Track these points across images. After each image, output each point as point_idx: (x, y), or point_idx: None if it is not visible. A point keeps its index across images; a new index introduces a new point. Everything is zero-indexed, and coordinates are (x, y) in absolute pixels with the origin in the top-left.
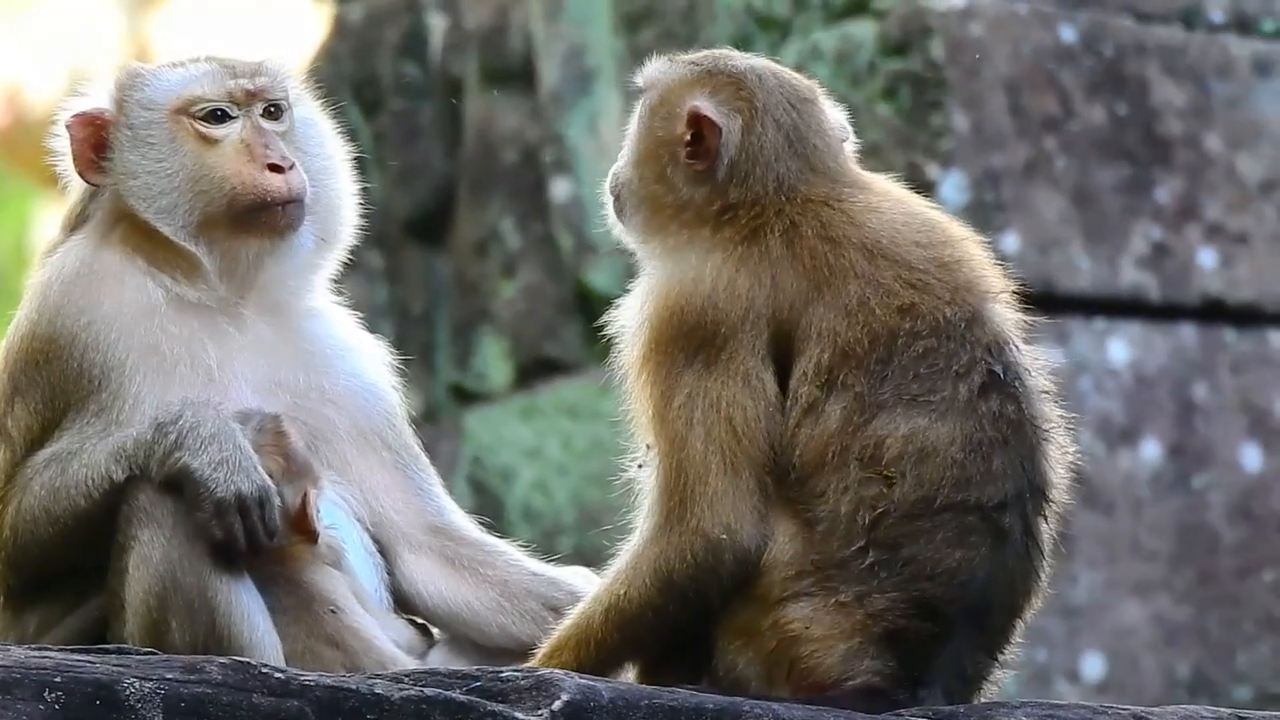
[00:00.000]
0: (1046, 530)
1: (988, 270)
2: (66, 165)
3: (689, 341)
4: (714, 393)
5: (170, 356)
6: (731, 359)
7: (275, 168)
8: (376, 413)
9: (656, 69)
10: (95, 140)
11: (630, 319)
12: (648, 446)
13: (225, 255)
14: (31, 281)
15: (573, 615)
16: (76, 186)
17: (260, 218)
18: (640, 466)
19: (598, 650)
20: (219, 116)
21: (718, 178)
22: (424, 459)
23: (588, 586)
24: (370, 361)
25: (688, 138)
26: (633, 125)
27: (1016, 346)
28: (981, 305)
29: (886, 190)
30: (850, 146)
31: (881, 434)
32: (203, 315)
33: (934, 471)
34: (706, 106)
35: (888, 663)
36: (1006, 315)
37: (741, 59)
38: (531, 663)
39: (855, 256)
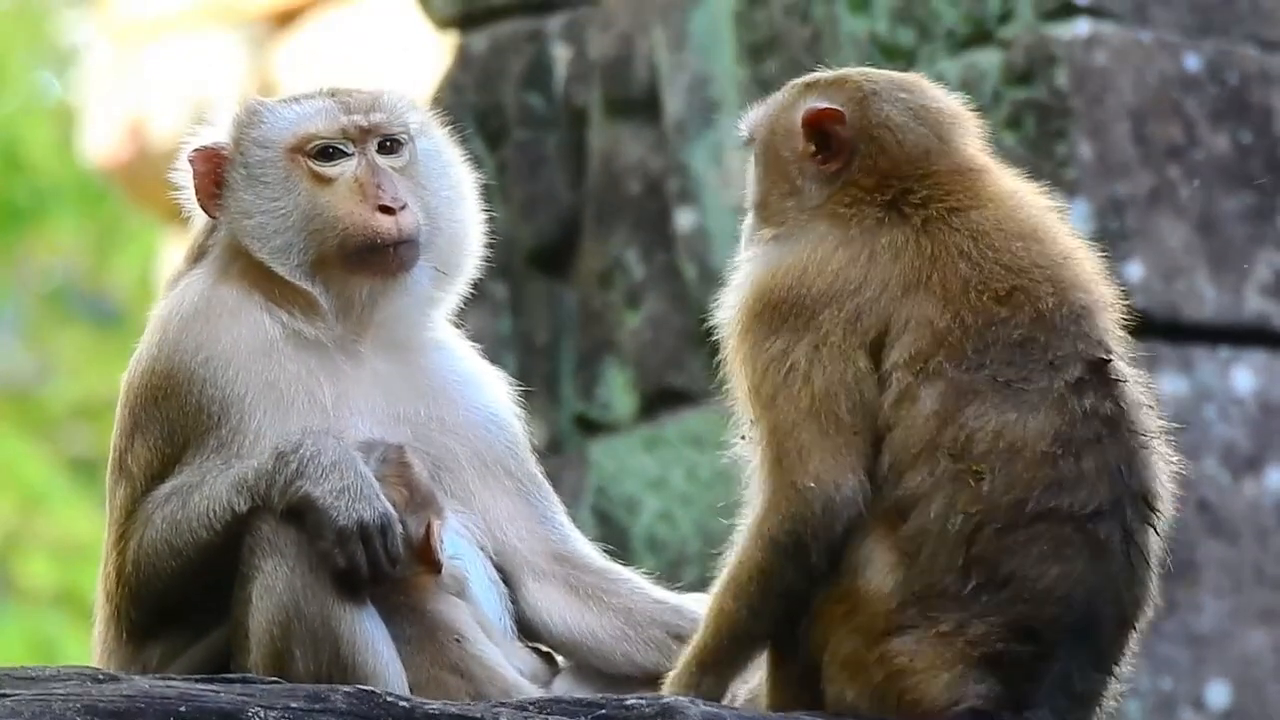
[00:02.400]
0: (1154, 541)
1: (1098, 278)
2: (189, 197)
3: (778, 314)
4: (803, 358)
5: (287, 393)
6: (819, 328)
7: (386, 209)
8: (499, 442)
9: (755, 112)
10: (215, 175)
11: (728, 306)
12: (750, 422)
13: (340, 294)
14: (152, 315)
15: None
16: (199, 219)
17: (371, 259)
18: (743, 438)
19: (722, 622)
20: (333, 154)
21: (853, 161)
22: (547, 487)
23: None
24: (491, 391)
25: (813, 148)
26: (752, 167)
27: (1119, 355)
28: (1088, 304)
29: (1015, 184)
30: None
31: (972, 426)
32: (319, 352)
33: (1024, 470)
34: (819, 103)
35: (992, 687)
36: (1112, 326)
37: (833, 71)
38: (683, 654)
39: (963, 240)
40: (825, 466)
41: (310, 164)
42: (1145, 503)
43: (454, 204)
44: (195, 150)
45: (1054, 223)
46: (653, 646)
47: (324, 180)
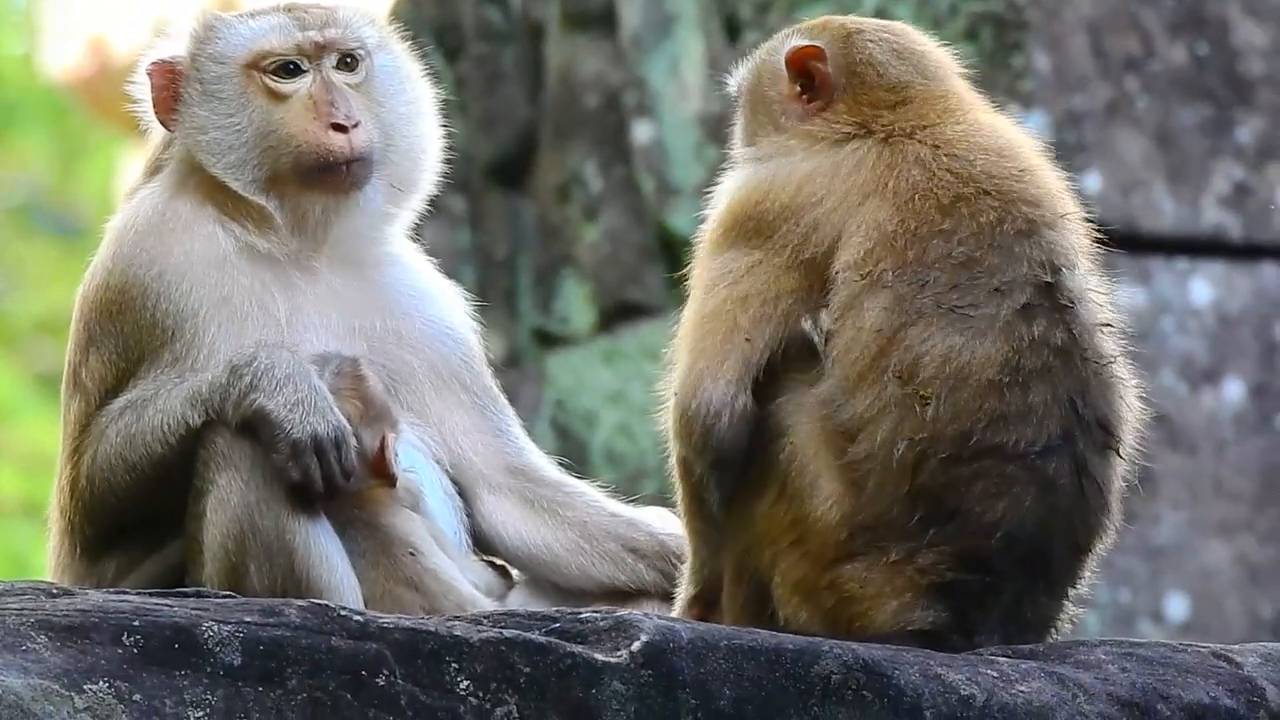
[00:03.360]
0: (1113, 467)
1: (1057, 193)
2: (147, 111)
3: (742, 230)
4: (742, 268)
5: (241, 308)
6: (772, 245)
7: (339, 127)
8: (454, 355)
9: (741, 68)
10: (172, 89)
11: (703, 226)
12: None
13: (294, 210)
14: (107, 227)
15: None
16: (156, 132)
17: (324, 177)
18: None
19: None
20: (289, 70)
21: (835, 98)
22: (503, 400)
23: (665, 526)
24: (447, 305)
25: (798, 88)
26: (739, 117)
27: (1076, 271)
28: (1039, 221)
29: (993, 114)
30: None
31: (919, 349)
32: (274, 266)
33: (970, 398)
34: (802, 42)
35: (940, 613)
36: (1071, 241)
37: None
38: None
39: (922, 149)
40: (694, 372)
41: (265, 80)
42: (1103, 429)
43: (411, 120)
44: (152, 64)
45: (1024, 144)
46: (608, 560)
47: (279, 97)
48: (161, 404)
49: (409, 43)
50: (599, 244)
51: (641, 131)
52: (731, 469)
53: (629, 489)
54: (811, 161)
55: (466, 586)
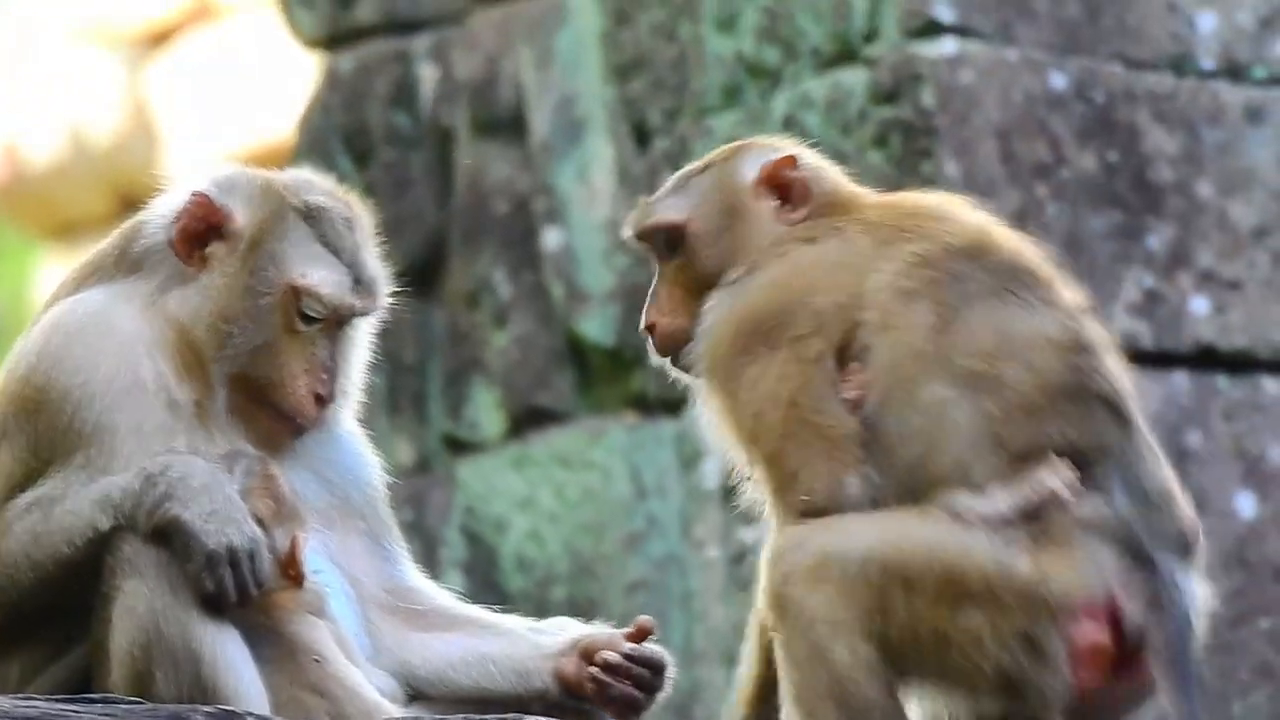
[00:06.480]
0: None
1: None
2: (157, 219)
3: (751, 338)
4: (774, 371)
5: (150, 438)
6: (792, 339)
7: (320, 399)
8: (358, 495)
9: (676, 199)
10: (206, 234)
11: (700, 352)
12: (748, 463)
13: (239, 413)
14: (44, 315)
15: None
16: (137, 229)
17: (284, 424)
18: (748, 479)
19: None
20: (315, 320)
21: (810, 204)
22: (398, 533)
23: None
24: (352, 449)
25: (775, 200)
26: (697, 241)
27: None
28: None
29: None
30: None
31: (974, 328)
32: (181, 410)
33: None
34: (770, 162)
35: None
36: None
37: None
38: None
39: (906, 233)
40: (814, 476)
41: (294, 311)
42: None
43: (361, 362)
44: (202, 196)
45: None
46: (504, 670)
47: (292, 332)
48: (70, 505)
49: (315, 150)
50: (508, 350)
51: (551, 238)
52: None
53: (539, 595)
54: (810, 252)
55: (372, 692)
